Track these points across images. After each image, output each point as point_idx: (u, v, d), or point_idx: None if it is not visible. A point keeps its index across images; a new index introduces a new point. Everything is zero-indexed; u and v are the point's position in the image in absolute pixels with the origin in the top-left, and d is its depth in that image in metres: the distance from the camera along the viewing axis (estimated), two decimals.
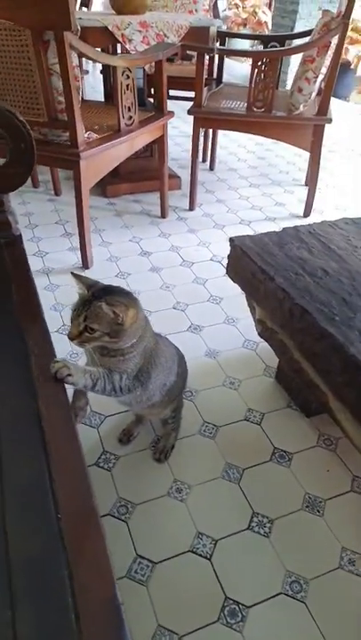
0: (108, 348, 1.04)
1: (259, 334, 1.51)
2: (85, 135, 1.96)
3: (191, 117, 2.54)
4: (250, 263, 1.41)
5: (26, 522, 0.66)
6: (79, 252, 2.24)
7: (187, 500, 1.28)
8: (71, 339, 0.99)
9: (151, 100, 3.18)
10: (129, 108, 2.11)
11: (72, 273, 1.04)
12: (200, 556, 1.16)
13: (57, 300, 2.01)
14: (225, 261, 2.37)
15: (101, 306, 0.96)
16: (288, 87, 4.23)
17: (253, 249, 1.45)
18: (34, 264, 2.05)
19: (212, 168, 3.43)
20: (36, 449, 0.74)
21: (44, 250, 2.37)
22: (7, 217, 1.22)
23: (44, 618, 0.56)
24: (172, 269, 2.27)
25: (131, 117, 2.15)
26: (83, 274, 2.17)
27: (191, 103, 2.53)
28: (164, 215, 2.71)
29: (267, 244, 1.49)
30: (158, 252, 2.39)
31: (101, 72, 3.07)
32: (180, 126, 4.23)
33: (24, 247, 1.26)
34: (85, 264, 2.21)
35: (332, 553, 1.18)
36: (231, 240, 1.52)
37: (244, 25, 7.72)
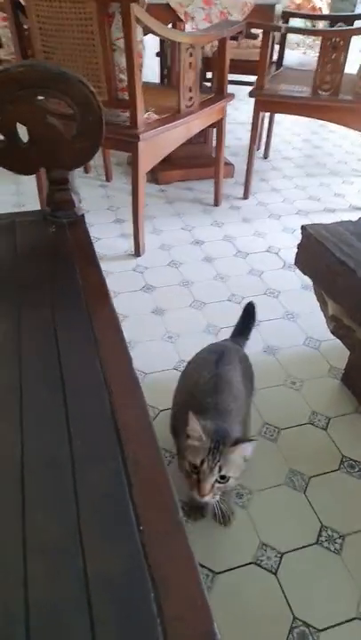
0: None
1: (331, 332, 1.39)
2: (145, 115, 1.88)
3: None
4: (326, 254, 1.29)
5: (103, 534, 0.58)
6: (131, 239, 2.17)
7: (248, 507, 1.19)
8: (202, 495, 0.89)
9: (207, 83, 3.07)
10: (190, 88, 2.01)
11: (190, 414, 0.92)
12: (264, 569, 1.06)
13: (110, 288, 1.93)
14: (282, 253, 2.26)
15: (235, 450, 0.89)
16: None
17: (330, 239, 1.33)
18: None
19: (266, 156, 3.29)
20: (110, 445, 0.66)
21: (96, 236, 2.31)
22: (71, 195, 1.15)
23: None
24: (226, 260, 2.16)
25: (191, 98, 2.04)
26: (134, 261, 2.15)
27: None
28: (217, 203, 2.60)
29: (343, 234, 1.36)
30: (211, 242, 2.29)
31: (157, 54, 2.98)
32: (231, 113, 4.07)
33: (87, 228, 1.19)
34: (137, 251, 2.14)
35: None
36: (303, 228, 1.40)
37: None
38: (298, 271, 2.00)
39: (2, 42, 2.38)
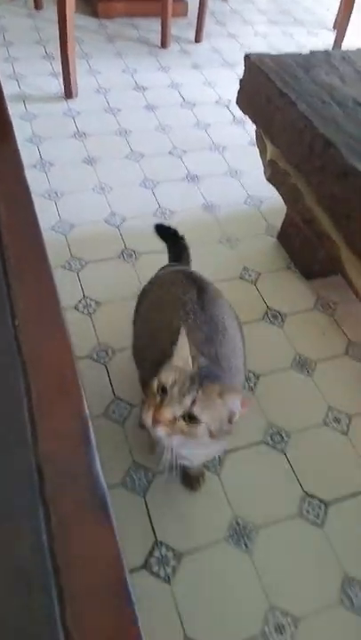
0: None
1: (267, 179, 1.31)
2: None
3: None
4: (268, 85, 1.15)
5: None
6: (62, 78, 1.89)
7: None
8: (157, 423, 0.67)
9: None
10: None
11: (181, 329, 0.71)
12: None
13: (34, 132, 1.73)
14: (233, 106, 2.06)
15: (223, 392, 0.68)
16: None
17: (274, 68, 1.18)
18: (7, 87, 1.72)
19: None
20: None
21: (21, 72, 1.99)
22: None
23: None
24: (171, 109, 1.95)
25: None
26: (65, 104, 1.89)
27: None
28: (164, 45, 2.28)
29: (290, 66, 1.21)
30: (155, 88, 2.04)
31: None
32: None
33: None
34: (68, 93, 1.88)
35: (317, 409, 1.15)
36: (247, 57, 1.23)
37: None
38: (247, 126, 1.86)
39: None
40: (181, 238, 1.10)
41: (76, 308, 1.26)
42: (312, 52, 1.30)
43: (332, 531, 0.97)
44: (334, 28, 2.59)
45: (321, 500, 1.00)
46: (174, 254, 1.10)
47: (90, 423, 0.49)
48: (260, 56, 1.22)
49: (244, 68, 1.25)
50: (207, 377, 0.69)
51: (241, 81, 1.28)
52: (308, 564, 0.93)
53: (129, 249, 1.42)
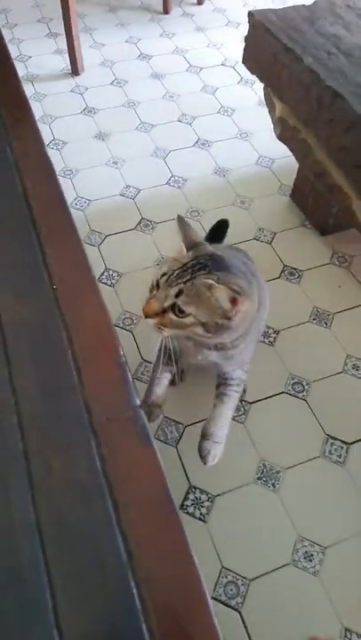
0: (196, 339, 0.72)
1: (278, 137, 1.32)
2: None
3: None
4: (273, 42, 1.16)
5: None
6: (67, 54, 1.90)
7: None
8: (147, 316, 0.68)
9: None
10: None
11: (178, 216, 0.72)
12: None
13: (45, 112, 1.76)
14: (239, 66, 2.03)
15: (212, 286, 0.65)
16: None
17: (278, 24, 1.18)
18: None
19: None
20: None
21: (27, 53, 2.01)
22: None
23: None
24: (177, 76, 1.95)
25: None
26: (72, 80, 1.91)
27: None
28: (166, 10, 2.24)
29: (294, 20, 1.21)
30: (160, 56, 2.03)
31: None
32: None
33: None
34: (75, 70, 1.89)
35: (336, 358, 1.19)
36: (250, 14, 1.23)
37: None
38: (255, 86, 1.85)
39: None
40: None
41: (99, 280, 1.32)
42: (315, 2, 1.28)
43: (354, 468, 1.03)
44: None
45: (343, 442, 1.06)
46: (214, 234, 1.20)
47: (127, 368, 0.56)
48: (264, 12, 1.21)
49: (248, 26, 1.25)
50: (203, 263, 0.67)
51: (246, 39, 1.28)
52: (332, 499, 1.00)
53: (145, 219, 1.46)
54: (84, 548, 0.44)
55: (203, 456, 0.87)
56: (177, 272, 0.67)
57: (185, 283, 0.66)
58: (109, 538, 0.45)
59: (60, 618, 0.40)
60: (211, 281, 0.65)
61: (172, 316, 0.67)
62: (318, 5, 1.26)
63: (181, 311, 0.66)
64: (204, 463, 0.87)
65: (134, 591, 0.41)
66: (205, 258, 0.69)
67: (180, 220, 0.71)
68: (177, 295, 0.66)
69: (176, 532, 0.45)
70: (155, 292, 0.69)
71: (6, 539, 0.44)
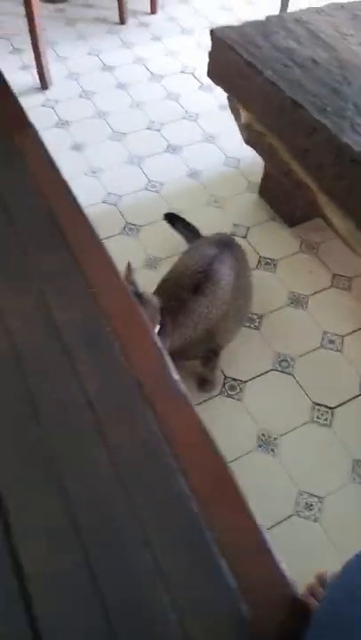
0: None
1: (245, 141, 1.46)
2: None
3: None
4: (234, 57, 1.29)
5: None
6: (33, 70, 1.97)
7: None
8: None
9: None
10: None
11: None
12: None
13: None
14: (198, 73, 2.17)
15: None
16: None
17: (238, 41, 1.31)
18: None
19: None
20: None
21: None
22: None
23: None
24: (141, 85, 2.06)
25: None
26: (42, 95, 1.98)
27: None
28: (122, 21, 2.34)
29: (251, 35, 1.34)
30: (122, 66, 2.13)
31: None
32: None
33: None
34: (44, 84, 1.97)
35: (314, 335, 1.35)
36: (212, 32, 1.36)
37: None
38: (215, 92, 1.98)
39: None
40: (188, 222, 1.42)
41: None
42: (268, 18, 1.42)
43: (339, 428, 1.18)
44: None
45: (327, 407, 1.22)
46: (191, 233, 1.39)
47: (165, 353, 0.67)
48: (224, 30, 1.34)
49: (211, 41, 1.37)
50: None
51: (209, 54, 1.40)
52: (323, 457, 1.15)
53: (130, 223, 1.57)
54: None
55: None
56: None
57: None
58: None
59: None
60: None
61: None
62: (270, 21, 1.40)
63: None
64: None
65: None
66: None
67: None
68: None
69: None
70: None
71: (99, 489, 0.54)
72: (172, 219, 1.46)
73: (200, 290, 1.08)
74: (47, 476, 0.56)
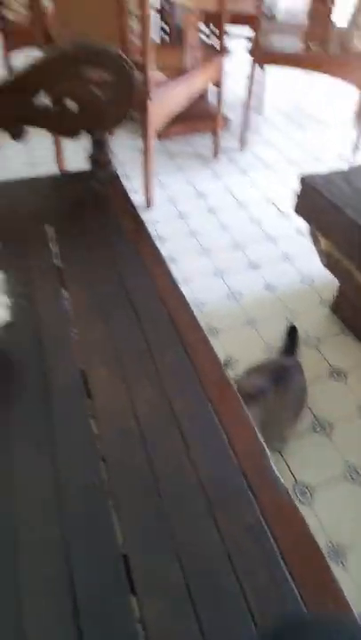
0: None
1: (324, 265, 1.65)
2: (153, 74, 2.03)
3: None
4: (320, 198, 1.53)
5: None
6: (138, 194, 2.37)
7: None
8: None
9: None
10: (193, 46, 2.15)
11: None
12: None
13: None
14: (278, 202, 2.49)
15: None
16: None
17: (323, 185, 1.56)
18: None
19: (259, 112, 3.42)
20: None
21: None
22: (109, 155, 1.36)
23: None
24: (228, 210, 2.39)
25: (195, 56, 2.19)
26: (145, 215, 2.35)
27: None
28: (215, 156, 2.78)
29: (335, 181, 1.59)
30: (213, 194, 2.50)
31: (158, 11, 3.05)
32: None
33: (122, 183, 1.40)
34: (149, 204, 2.34)
35: None
36: (302, 179, 1.63)
37: None
38: (292, 218, 2.25)
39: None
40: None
41: None
42: (350, 168, 1.69)
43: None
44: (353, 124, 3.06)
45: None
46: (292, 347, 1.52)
47: (266, 449, 0.78)
48: (313, 177, 1.61)
49: (300, 185, 1.64)
50: None
51: (298, 195, 1.66)
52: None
53: (211, 327, 1.76)
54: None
55: None
56: None
57: None
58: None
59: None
60: None
61: None
62: (352, 170, 1.66)
63: None
64: None
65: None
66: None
67: None
68: None
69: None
70: None
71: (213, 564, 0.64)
72: (292, 331, 1.54)
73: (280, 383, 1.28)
74: (166, 547, 0.65)
